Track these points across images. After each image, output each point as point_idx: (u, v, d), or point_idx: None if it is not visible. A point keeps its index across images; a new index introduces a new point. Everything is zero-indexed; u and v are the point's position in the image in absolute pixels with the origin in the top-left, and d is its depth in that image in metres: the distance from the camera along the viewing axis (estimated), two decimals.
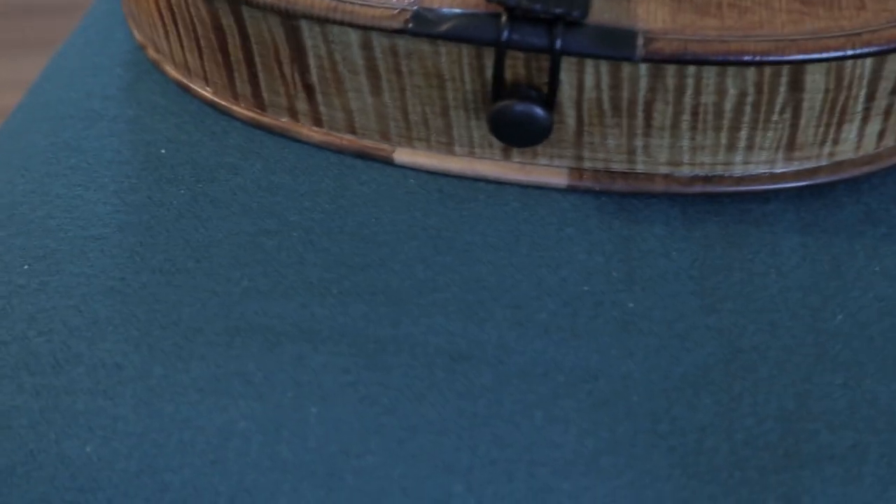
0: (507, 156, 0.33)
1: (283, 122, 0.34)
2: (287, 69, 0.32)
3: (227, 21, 0.32)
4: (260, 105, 0.34)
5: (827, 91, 0.30)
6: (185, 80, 0.36)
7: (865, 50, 0.29)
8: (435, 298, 0.30)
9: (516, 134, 0.31)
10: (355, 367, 0.28)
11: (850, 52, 0.29)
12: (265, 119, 0.34)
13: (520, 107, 0.30)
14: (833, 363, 0.29)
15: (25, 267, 0.31)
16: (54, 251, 0.31)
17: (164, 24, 0.35)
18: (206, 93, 0.35)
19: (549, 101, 0.30)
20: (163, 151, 0.34)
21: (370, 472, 0.26)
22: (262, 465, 0.26)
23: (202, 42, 0.34)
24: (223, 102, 0.35)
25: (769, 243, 0.32)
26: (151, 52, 0.37)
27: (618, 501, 0.26)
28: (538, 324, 0.29)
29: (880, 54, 0.29)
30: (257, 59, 0.33)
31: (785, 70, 0.29)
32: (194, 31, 0.33)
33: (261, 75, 0.33)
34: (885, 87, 0.30)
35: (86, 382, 0.28)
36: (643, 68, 0.29)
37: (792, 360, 0.29)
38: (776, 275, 0.31)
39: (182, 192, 0.33)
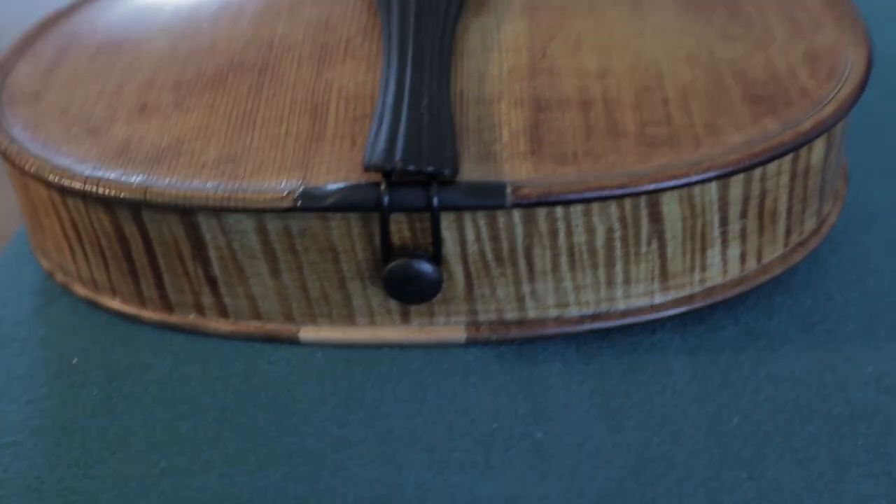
0: (406, 320, 0.35)
1: (191, 318, 0.36)
2: (190, 266, 0.34)
3: (130, 228, 0.34)
4: (167, 306, 0.36)
5: (684, 219, 0.33)
6: (92, 296, 0.37)
7: (707, 175, 0.32)
8: (351, 452, 0.30)
9: (410, 292, 0.33)
10: None
11: (694, 179, 0.32)
12: (173, 319, 0.36)
13: (409, 265, 0.32)
14: (736, 460, 0.30)
15: None
16: None
17: (69, 245, 0.37)
18: (115, 303, 0.37)
19: (436, 256, 0.32)
20: (74, 361, 0.35)
21: None
22: None
23: (107, 254, 0.36)
24: (132, 310, 0.37)
25: (661, 366, 0.34)
26: (59, 276, 0.38)
27: None
28: (453, 462, 0.30)
29: (720, 178, 0.32)
30: (161, 261, 0.35)
31: (643, 202, 0.32)
32: (99, 244, 0.35)
33: (165, 276, 0.35)
34: (734, 211, 0.34)
35: None
36: (516, 216, 0.32)
37: (698, 462, 0.30)
38: (671, 392, 0.33)
39: (95, 392, 0.33)
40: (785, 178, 0.34)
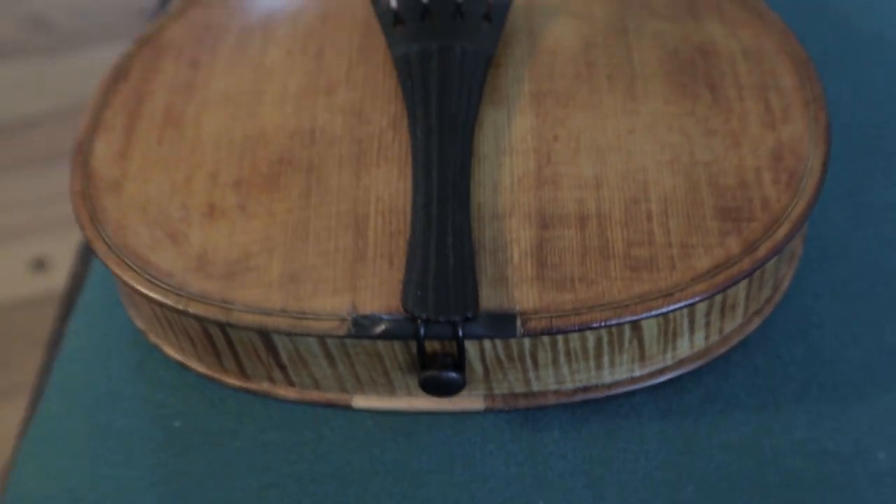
0: None
1: (265, 386, 0.45)
2: (264, 357, 0.43)
3: (214, 331, 0.43)
4: (245, 376, 0.45)
5: (659, 326, 0.42)
6: (182, 359, 0.46)
7: (676, 306, 0.40)
8: None
9: (441, 390, 0.42)
10: None
11: (665, 310, 0.40)
12: (250, 385, 0.45)
13: (439, 376, 0.41)
14: None
15: None
16: None
17: (160, 323, 0.45)
18: (201, 368, 0.46)
19: (460, 365, 0.41)
20: (176, 424, 0.45)
21: None
22: None
23: (193, 338, 0.44)
24: (216, 375, 0.46)
25: (637, 433, 0.43)
26: (152, 337, 0.47)
27: None
28: None
29: (688, 307, 0.40)
30: (240, 352, 0.43)
31: (626, 324, 0.41)
32: (186, 332, 0.44)
33: (243, 360, 0.44)
34: (700, 314, 0.42)
35: None
36: (525, 339, 0.41)
37: None
38: (644, 459, 0.42)
39: (199, 460, 0.43)
40: (743, 283, 0.42)
